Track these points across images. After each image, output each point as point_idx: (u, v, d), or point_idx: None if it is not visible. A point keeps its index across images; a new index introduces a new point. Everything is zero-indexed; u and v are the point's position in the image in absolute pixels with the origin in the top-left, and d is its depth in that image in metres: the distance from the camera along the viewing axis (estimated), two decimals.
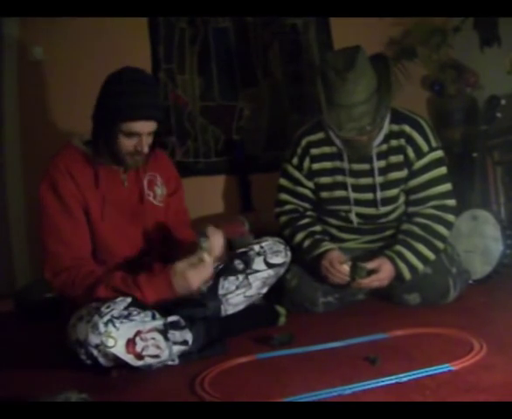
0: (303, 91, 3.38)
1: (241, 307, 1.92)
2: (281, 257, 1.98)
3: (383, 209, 2.07)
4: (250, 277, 1.92)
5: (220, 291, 1.87)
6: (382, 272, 1.94)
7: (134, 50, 3.12)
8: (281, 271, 2.01)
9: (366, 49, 1.96)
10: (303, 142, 2.14)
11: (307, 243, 2.10)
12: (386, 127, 2.01)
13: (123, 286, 1.60)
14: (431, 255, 1.99)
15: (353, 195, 2.08)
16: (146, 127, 1.70)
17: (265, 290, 1.98)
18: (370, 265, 1.95)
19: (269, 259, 1.94)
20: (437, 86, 3.27)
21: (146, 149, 1.73)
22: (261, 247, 1.95)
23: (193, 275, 1.60)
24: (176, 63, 3.25)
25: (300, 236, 2.13)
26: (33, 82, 3.08)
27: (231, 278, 1.89)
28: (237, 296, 1.89)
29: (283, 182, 2.22)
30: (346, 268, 1.96)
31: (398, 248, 1.99)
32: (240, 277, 1.89)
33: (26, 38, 3.08)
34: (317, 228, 2.15)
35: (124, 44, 3.08)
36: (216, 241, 1.68)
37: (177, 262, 1.63)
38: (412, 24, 3.23)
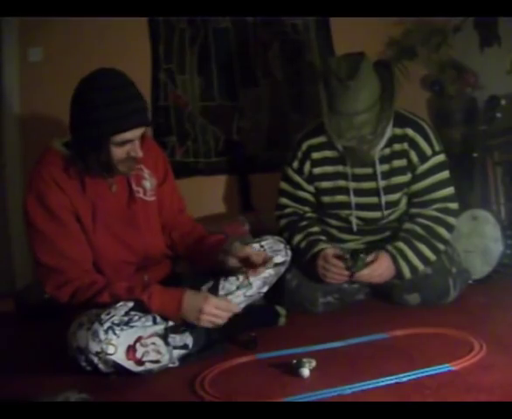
0: (303, 91, 3.37)
1: (241, 307, 1.91)
2: (282, 255, 1.97)
3: (385, 213, 2.06)
4: (250, 276, 1.90)
5: (221, 292, 1.85)
6: (378, 263, 1.94)
7: (134, 50, 3.12)
8: (282, 269, 2.00)
9: (366, 49, 1.95)
10: (304, 146, 2.12)
11: (303, 244, 2.10)
12: (389, 130, 2.00)
13: (127, 295, 1.58)
14: (431, 255, 2.00)
15: (355, 200, 2.08)
16: (138, 132, 1.62)
17: (265, 289, 1.96)
18: (369, 258, 1.95)
19: None
20: (437, 86, 3.26)
21: (140, 153, 1.65)
22: (261, 246, 1.93)
23: (207, 314, 1.57)
24: (176, 63, 3.24)
25: (297, 239, 2.13)
26: (33, 83, 3.08)
27: (232, 279, 1.87)
28: (237, 296, 1.88)
29: (284, 185, 2.22)
30: (340, 263, 1.95)
31: (400, 245, 1.99)
32: (241, 277, 1.87)
33: (26, 39, 3.08)
34: (315, 229, 2.14)
35: (124, 44, 3.08)
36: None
37: (206, 291, 1.65)
38: (412, 24, 3.22)
